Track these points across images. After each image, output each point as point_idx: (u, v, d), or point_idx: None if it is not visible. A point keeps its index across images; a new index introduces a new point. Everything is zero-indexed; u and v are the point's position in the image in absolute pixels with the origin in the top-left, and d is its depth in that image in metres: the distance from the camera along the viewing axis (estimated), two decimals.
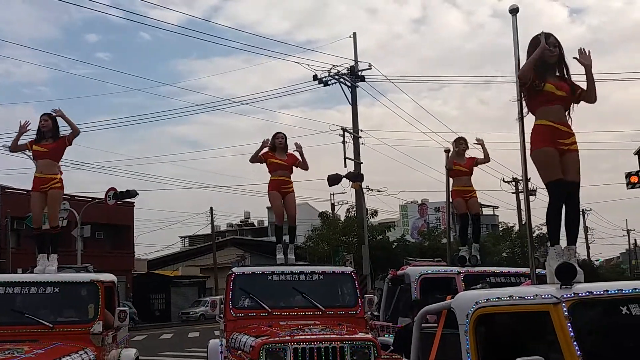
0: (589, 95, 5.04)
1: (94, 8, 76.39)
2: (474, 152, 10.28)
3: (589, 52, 4.97)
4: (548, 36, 4.99)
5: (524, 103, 5.04)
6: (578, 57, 4.96)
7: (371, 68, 30.54)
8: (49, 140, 7.95)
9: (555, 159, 4.79)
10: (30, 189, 8.05)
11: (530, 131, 5.00)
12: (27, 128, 8.05)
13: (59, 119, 8.02)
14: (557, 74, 5.07)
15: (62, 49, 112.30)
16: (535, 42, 5.02)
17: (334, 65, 30.18)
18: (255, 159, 9.62)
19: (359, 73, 30.40)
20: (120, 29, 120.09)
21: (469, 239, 10.09)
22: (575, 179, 4.86)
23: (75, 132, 8.11)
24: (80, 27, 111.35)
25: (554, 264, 4.60)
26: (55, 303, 7.34)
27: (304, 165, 9.64)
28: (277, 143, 9.55)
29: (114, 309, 7.81)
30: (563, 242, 4.86)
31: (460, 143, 10.02)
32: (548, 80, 4.90)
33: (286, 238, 9.81)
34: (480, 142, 9.98)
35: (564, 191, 4.79)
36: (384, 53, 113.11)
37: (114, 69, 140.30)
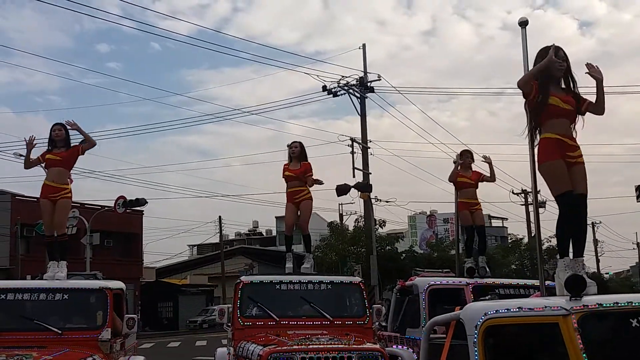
0: (598, 108, 5.05)
1: (105, 18, 77.51)
2: (480, 166, 10.27)
3: (596, 66, 4.99)
4: (558, 49, 5.01)
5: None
6: (588, 71, 4.97)
7: (380, 79, 30.65)
8: (62, 149, 8.00)
9: (564, 170, 4.80)
10: (39, 196, 8.09)
11: (537, 145, 5.01)
12: (34, 144, 8.10)
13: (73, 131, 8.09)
14: (563, 86, 5.08)
15: (74, 59, 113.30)
16: (543, 53, 5.03)
17: (343, 76, 30.31)
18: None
19: (368, 84, 30.46)
20: (131, 39, 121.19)
21: (475, 251, 10.05)
22: (583, 191, 4.86)
23: (91, 144, 8.17)
24: (91, 37, 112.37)
25: (563, 275, 4.59)
26: (64, 310, 7.36)
27: (312, 183, 9.64)
28: (291, 152, 9.60)
29: (122, 316, 7.82)
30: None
31: (466, 156, 10.00)
32: (553, 94, 4.91)
33: (297, 247, 9.80)
34: (487, 161, 9.95)
35: (574, 203, 4.79)
36: (393, 64, 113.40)
37: (125, 78, 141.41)
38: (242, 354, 7.57)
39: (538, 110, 4.94)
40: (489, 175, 9.99)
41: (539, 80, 4.93)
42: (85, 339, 6.99)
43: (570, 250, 4.86)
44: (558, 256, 4.83)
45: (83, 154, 8.13)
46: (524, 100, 5.08)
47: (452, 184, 10.13)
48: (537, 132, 5.02)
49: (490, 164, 9.93)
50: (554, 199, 4.91)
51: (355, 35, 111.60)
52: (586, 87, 5.15)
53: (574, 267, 4.69)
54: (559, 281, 4.65)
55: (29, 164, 8.12)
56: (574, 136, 5.00)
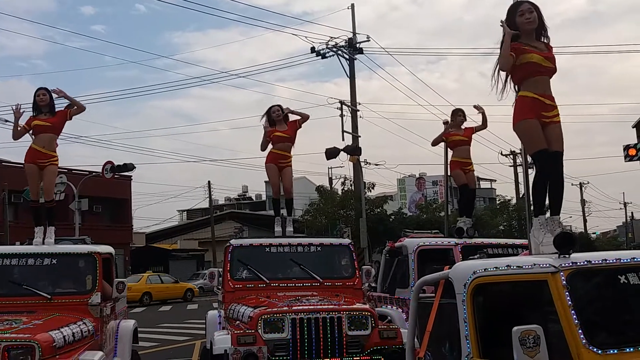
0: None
1: None
2: (471, 124, 10.24)
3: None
4: (519, 3, 4.93)
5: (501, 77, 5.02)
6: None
7: (369, 40, 30.38)
8: (48, 114, 7.87)
9: (538, 130, 4.78)
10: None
11: (514, 103, 4.97)
12: (21, 112, 7.96)
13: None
14: (544, 40, 5.00)
15: (58, 22, 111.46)
16: (512, 9, 4.95)
17: (331, 37, 30.00)
18: (264, 145, 9.56)
19: (357, 45, 30.17)
20: (116, 1, 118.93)
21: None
22: (559, 149, 4.84)
23: (80, 109, 8.05)
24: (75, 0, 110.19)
25: (539, 234, 4.61)
26: (53, 274, 7.33)
27: (304, 117, 9.59)
28: (275, 117, 9.49)
29: (112, 280, 7.82)
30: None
31: (458, 115, 9.95)
32: (532, 51, 4.84)
33: (284, 211, 9.80)
34: (480, 109, 9.88)
35: (548, 161, 4.78)
36: (382, 25, 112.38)
37: (110, 41, 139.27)
38: (232, 316, 7.61)
39: (518, 71, 4.89)
40: (481, 124, 9.98)
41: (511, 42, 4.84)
42: (75, 304, 6.99)
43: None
44: (533, 215, 4.83)
45: (71, 119, 8.02)
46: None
47: (443, 142, 10.05)
48: (516, 89, 4.98)
49: (483, 112, 9.88)
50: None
51: None
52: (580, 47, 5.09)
53: (550, 225, 4.67)
54: (534, 240, 4.66)
55: (17, 134, 7.97)
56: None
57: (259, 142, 9.64)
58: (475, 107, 9.94)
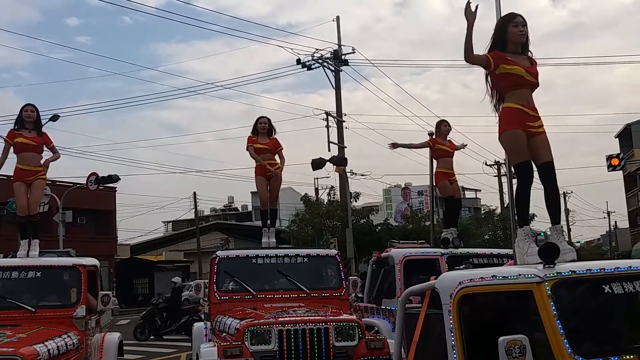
0: None
1: None
2: (455, 135, 10.37)
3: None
4: (515, 16, 4.98)
5: (488, 88, 5.07)
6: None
7: (355, 52, 30.43)
8: (32, 132, 7.88)
9: (523, 140, 4.81)
10: (9, 174, 8.01)
11: (498, 114, 5.02)
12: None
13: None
14: (528, 55, 5.06)
15: (42, 33, 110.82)
16: (507, 18, 4.99)
17: (317, 49, 30.04)
18: (253, 155, 9.55)
19: (343, 57, 30.27)
20: (100, 12, 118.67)
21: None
22: (548, 159, 4.88)
23: (56, 157, 8.26)
24: (60, 11, 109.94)
25: (523, 245, 4.65)
26: (38, 287, 7.29)
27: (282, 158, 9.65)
28: (260, 128, 9.52)
29: (96, 293, 7.77)
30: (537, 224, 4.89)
31: (443, 125, 10.03)
32: (516, 63, 4.89)
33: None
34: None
35: (531, 173, 4.82)
36: (367, 37, 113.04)
37: (95, 52, 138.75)
38: (219, 328, 7.58)
39: (499, 80, 4.94)
40: (461, 144, 10.19)
41: (496, 49, 4.91)
42: (60, 316, 6.94)
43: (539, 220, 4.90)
44: (518, 225, 4.87)
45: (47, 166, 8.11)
46: (485, 71, 5.05)
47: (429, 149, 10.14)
48: (499, 101, 5.04)
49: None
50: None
51: (328, 7, 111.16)
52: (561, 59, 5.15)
53: (554, 234, 4.74)
54: (519, 250, 4.69)
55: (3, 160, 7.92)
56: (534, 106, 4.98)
57: (245, 153, 9.63)
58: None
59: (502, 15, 5.17)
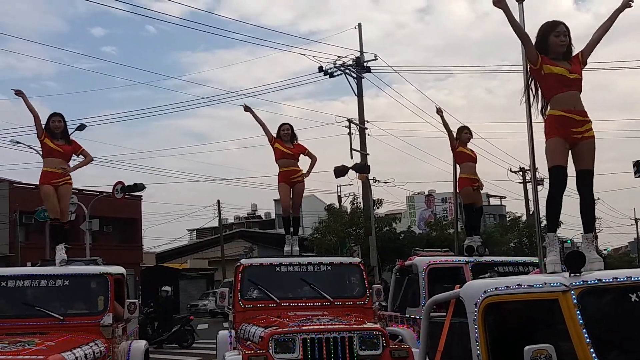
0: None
1: (98, 2, 76.04)
2: (479, 141, 10.28)
3: None
4: (558, 24, 4.93)
5: (532, 92, 5.01)
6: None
7: (377, 59, 30.42)
8: (61, 140, 8.05)
9: (561, 147, 4.73)
10: (36, 183, 8.14)
11: (544, 119, 4.96)
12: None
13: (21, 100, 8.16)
14: (569, 60, 5.00)
15: (68, 43, 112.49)
16: (545, 27, 4.95)
17: (339, 57, 30.08)
18: (266, 132, 9.67)
19: (365, 64, 30.28)
20: (125, 22, 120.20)
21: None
22: (586, 167, 4.79)
23: (88, 161, 8.49)
24: (85, 21, 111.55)
25: (548, 251, 4.61)
26: (65, 296, 7.39)
27: (314, 161, 9.66)
28: (283, 135, 9.57)
29: (123, 301, 7.86)
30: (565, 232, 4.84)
31: (464, 132, 9.98)
32: (557, 64, 4.82)
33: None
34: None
35: (563, 178, 4.74)
36: (389, 43, 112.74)
37: (119, 62, 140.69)
38: (243, 336, 7.61)
39: (544, 80, 4.86)
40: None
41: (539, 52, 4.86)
42: (87, 325, 7.03)
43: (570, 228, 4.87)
44: (545, 231, 4.82)
45: (78, 155, 8.32)
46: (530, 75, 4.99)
47: (453, 153, 10.06)
48: (545, 107, 4.96)
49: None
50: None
51: (349, 14, 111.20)
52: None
53: (585, 243, 4.70)
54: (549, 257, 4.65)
55: (33, 108, 8.06)
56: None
57: (268, 160, 9.74)
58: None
59: (524, 20, 5.12)
